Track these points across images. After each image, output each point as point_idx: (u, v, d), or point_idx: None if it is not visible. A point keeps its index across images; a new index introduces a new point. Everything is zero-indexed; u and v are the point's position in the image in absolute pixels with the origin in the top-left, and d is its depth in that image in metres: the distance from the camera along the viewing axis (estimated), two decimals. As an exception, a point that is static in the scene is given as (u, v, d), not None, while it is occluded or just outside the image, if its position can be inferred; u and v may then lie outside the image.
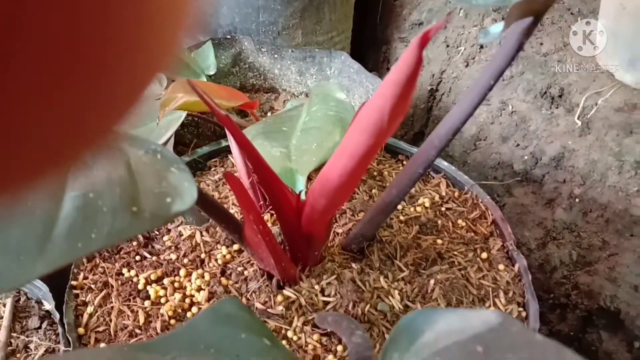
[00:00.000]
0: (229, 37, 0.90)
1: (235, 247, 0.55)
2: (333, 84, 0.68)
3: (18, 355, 0.53)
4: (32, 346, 0.54)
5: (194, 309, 0.50)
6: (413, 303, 0.50)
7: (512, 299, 0.53)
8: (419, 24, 1.08)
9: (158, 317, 0.49)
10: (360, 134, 0.37)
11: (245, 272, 0.52)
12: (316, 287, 0.49)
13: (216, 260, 0.54)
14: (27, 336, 0.54)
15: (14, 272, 0.24)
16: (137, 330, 0.49)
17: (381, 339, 0.47)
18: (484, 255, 0.56)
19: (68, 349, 0.50)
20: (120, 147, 0.32)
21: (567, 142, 0.76)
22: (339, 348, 0.46)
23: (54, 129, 0.09)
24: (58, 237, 0.26)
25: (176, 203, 0.29)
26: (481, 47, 0.92)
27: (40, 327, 0.55)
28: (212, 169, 0.68)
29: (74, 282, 0.53)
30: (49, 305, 0.56)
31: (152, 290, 0.51)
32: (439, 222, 0.59)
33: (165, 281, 0.52)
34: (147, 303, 0.51)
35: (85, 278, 0.53)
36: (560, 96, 0.80)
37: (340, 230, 0.56)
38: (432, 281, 0.52)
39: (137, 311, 0.50)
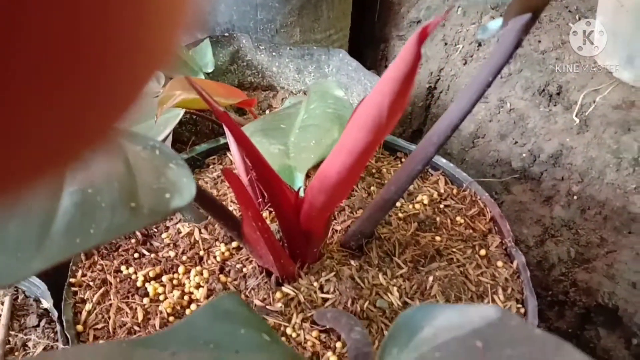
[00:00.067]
0: (227, 34, 0.90)
1: (234, 244, 0.55)
2: (331, 81, 0.68)
3: (16, 353, 0.53)
4: (30, 344, 0.54)
5: (193, 306, 0.50)
6: (412, 300, 0.50)
7: (510, 296, 0.53)
8: (417, 22, 1.08)
9: (157, 314, 0.49)
10: (359, 130, 0.37)
11: (244, 269, 0.52)
12: (315, 284, 0.49)
13: (215, 257, 0.54)
14: (25, 334, 0.54)
15: (12, 267, 0.24)
16: (136, 328, 0.49)
17: (380, 335, 0.47)
18: (483, 252, 0.56)
19: (66, 346, 0.50)
20: (118, 143, 0.32)
21: (565, 139, 0.76)
22: (338, 345, 0.46)
23: (53, 129, 0.09)
24: (56, 232, 0.26)
25: (175, 199, 0.29)
26: (479, 44, 0.93)
27: (38, 325, 0.55)
28: (211, 166, 0.68)
29: (72, 280, 0.53)
30: (47, 303, 0.55)
31: (150, 287, 0.51)
32: (438, 219, 0.59)
33: (164, 278, 0.52)
34: (145, 300, 0.51)
35: (84, 275, 0.53)
36: (558, 94, 0.80)
37: (339, 228, 0.56)
38: (430, 278, 0.52)
39: (136, 308, 0.50)
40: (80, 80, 0.09)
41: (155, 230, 0.58)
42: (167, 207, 0.29)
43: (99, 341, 0.48)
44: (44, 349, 0.53)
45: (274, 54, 0.90)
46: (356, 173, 0.41)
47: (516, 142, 0.81)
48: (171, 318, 0.49)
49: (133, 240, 0.56)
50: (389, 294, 0.50)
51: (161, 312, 0.49)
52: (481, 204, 0.62)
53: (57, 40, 0.08)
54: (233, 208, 0.59)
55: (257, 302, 0.49)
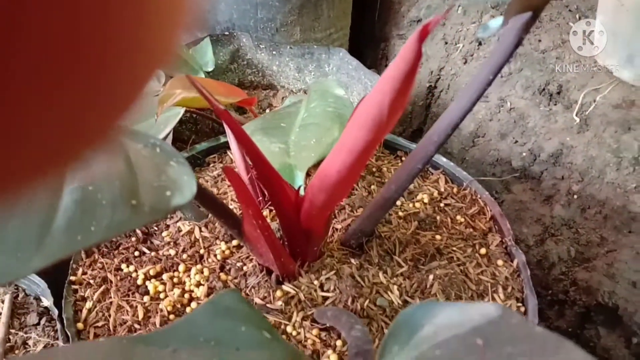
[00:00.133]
0: (227, 33, 0.90)
1: (234, 242, 0.55)
2: (331, 80, 0.68)
3: (17, 351, 0.53)
4: (30, 342, 0.54)
5: (193, 304, 0.50)
6: (412, 298, 0.50)
7: (510, 294, 0.53)
8: (417, 21, 1.08)
9: (157, 313, 0.49)
10: (359, 129, 0.37)
11: (245, 268, 0.52)
12: (315, 282, 0.49)
13: (215, 255, 0.54)
14: (26, 332, 0.54)
15: (13, 265, 0.24)
16: (136, 326, 0.49)
17: (380, 334, 0.47)
18: (483, 250, 0.56)
19: (67, 344, 0.50)
20: (119, 141, 0.32)
21: (565, 138, 0.76)
22: (338, 343, 0.46)
23: (53, 129, 0.09)
24: (57, 229, 0.26)
25: (176, 197, 0.29)
26: (479, 44, 0.93)
27: (38, 324, 0.55)
28: (211, 165, 0.68)
29: (72, 278, 0.53)
30: (47, 301, 0.55)
31: (151, 285, 0.51)
32: (438, 217, 0.59)
33: (165, 276, 0.52)
34: (146, 298, 0.51)
35: (84, 273, 0.53)
36: (558, 93, 0.80)
37: (339, 226, 0.56)
38: (431, 276, 0.52)
39: (136, 306, 0.50)
40: (80, 80, 0.09)
41: (156, 228, 0.58)
42: (168, 204, 0.29)
43: (100, 339, 0.48)
44: (44, 347, 0.53)
45: (274, 52, 0.90)
46: (357, 172, 0.41)
47: (516, 141, 0.81)
48: (171, 316, 0.49)
49: (133, 239, 0.56)
50: (389, 293, 0.50)
51: (161, 311, 0.49)
52: (481, 203, 0.62)
53: (57, 41, 0.08)
54: (233, 206, 0.59)
55: (257, 300, 0.49)
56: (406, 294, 0.50)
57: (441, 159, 0.67)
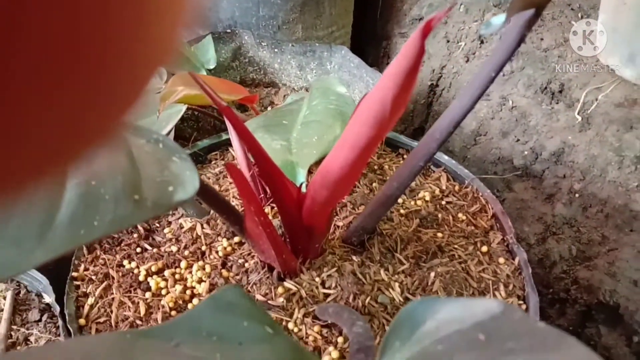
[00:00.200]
0: (229, 31, 0.90)
1: (236, 239, 0.55)
2: (333, 78, 0.68)
3: (18, 347, 0.53)
4: (32, 339, 0.54)
5: (195, 301, 0.50)
6: (413, 295, 0.50)
7: (512, 292, 0.53)
8: (419, 19, 1.08)
9: (159, 309, 0.49)
10: (362, 125, 0.37)
11: (246, 264, 0.52)
12: (317, 279, 0.49)
13: (217, 252, 0.54)
14: (28, 329, 0.55)
15: (16, 258, 0.24)
16: (138, 322, 0.49)
17: (381, 331, 0.47)
18: (484, 248, 0.56)
19: (69, 339, 0.50)
20: (122, 136, 0.32)
21: (567, 137, 0.76)
22: (340, 339, 0.46)
23: (54, 129, 0.09)
24: (60, 224, 0.26)
25: (178, 192, 0.29)
26: (481, 42, 0.93)
27: (40, 320, 0.55)
28: (213, 162, 0.68)
29: (74, 274, 0.53)
30: (49, 298, 0.56)
31: (152, 281, 0.51)
32: (440, 215, 0.59)
33: (166, 273, 0.52)
34: (148, 294, 0.51)
35: (86, 269, 0.54)
36: (560, 91, 0.80)
37: (340, 223, 0.56)
38: (432, 274, 0.52)
39: (138, 302, 0.50)
40: (81, 79, 0.09)
41: (158, 225, 0.58)
42: (171, 200, 0.29)
43: (102, 333, 0.48)
44: (46, 343, 0.53)
45: (276, 50, 0.90)
46: (359, 168, 0.41)
47: (518, 140, 0.81)
48: (173, 312, 0.49)
49: (135, 235, 0.56)
50: (390, 290, 0.50)
51: (163, 307, 0.49)
52: (483, 201, 0.62)
53: (58, 40, 0.08)
54: (235, 203, 0.59)
55: (259, 297, 0.49)
56: (407, 291, 0.50)
57: (443, 157, 0.67)
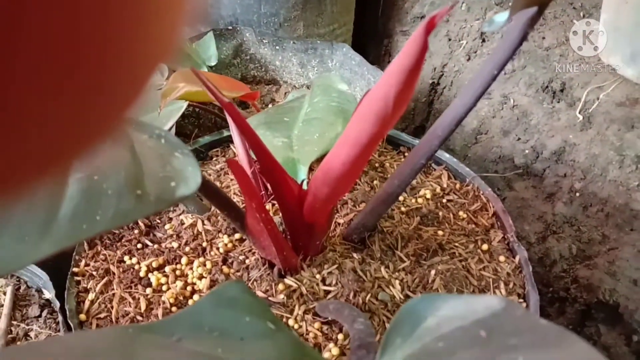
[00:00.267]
0: (230, 28, 0.90)
1: (237, 235, 0.55)
2: (335, 75, 0.68)
3: (18, 343, 0.53)
4: (32, 334, 0.54)
5: (196, 297, 0.50)
6: (414, 293, 0.50)
7: (512, 290, 0.53)
8: (421, 17, 1.08)
9: (159, 305, 0.49)
10: (364, 122, 0.37)
11: (247, 261, 0.52)
12: (317, 276, 0.49)
13: (218, 248, 0.54)
14: (28, 324, 0.55)
15: (19, 252, 0.24)
16: (139, 317, 0.49)
17: (382, 328, 0.47)
18: (485, 246, 0.56)
19: (70, 333, 0.50)
20: (125, 131, 0.32)
21: (568, 136, 0.76)
22: (340, 336, 0.46)
23: (55, 127, 0.09)
24: (63, 218, 0.26)
25: (181, 187, 0.29)
26: (483, 40, 0.92)
27: (40, 316, 0.55)
28: (214, 158, 0.68)
29: (75, 269, 0.53)
30: (49, 293, 0.56)
31: (153, 277, 0.51)
32: (440, 213, 0.59)
33: (167, 269, 0.52)
34: (148, 290, 0.51)
35: (87, 265, 0.54)
36: (561, 90, 0.80)
37: (341, 221, 0.56)
38: (432, 272, 0.52)
39: (139, 298, 0.50)
40: (81, 77, 0.09)
41: (159, 221, 0.58)
42: (173, 195, 0.29)
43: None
44: (46, 339, 0.53)
45: (277, 47, 0.90)
46: (360, 165, 0.41)
47: (519, 139, 0.81)
48: (174, 308, 0.49)
49: (136, 231, 0.56)
50: (391, 287, 0.50)
51: (164, 303, 0.49)
52: (484, 199, 0.62)
53: (58, 39, 0.08)
54: (236, 200, 0.59)
55: (259, 293, 0.49)
56: (408, 288, 0.50)
57: (444, 155, 0.67)
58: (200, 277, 0.51)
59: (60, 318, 0.52)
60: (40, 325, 0.54)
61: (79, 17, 0.08)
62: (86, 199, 0.27)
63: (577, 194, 0.74)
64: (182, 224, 0.57)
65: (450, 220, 0.59)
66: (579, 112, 0.76)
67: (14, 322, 0.54)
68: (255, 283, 0.50)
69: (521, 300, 0.52)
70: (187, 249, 0.54)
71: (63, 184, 0.28)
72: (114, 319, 0.49)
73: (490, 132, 0.85)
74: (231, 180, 0.63)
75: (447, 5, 1.01)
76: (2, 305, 0.55)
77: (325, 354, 0.45)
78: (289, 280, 0.49)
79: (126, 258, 0.54)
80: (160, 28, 0.10)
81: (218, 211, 0.57)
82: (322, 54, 0.89)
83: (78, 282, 0.52)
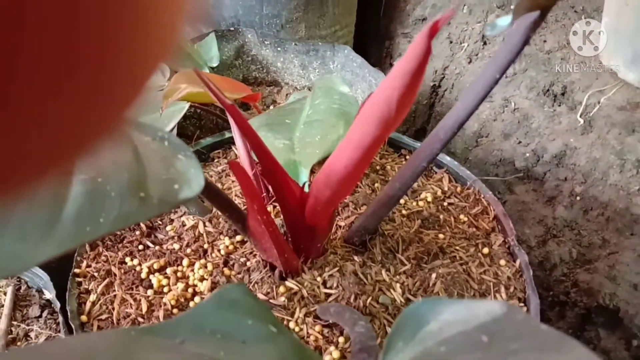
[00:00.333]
0: (232, 29, 0.90)
1: (238, 238, 0.55)
2: (336, 77, 0.68)
3: (18, 343, 0.53)
4: (32, 334, 0.54)
5: (197, 299, 0.50)
6: (414, 296, 0.50)
7: (513, 294, 0.53)
8: (423, 20, 1.08)
9: (161, 306, 0.49)
10: (367, 124, 0.37)
11: (248, 263, 0.52)
12: (318, 279, 0.49)
13: (219, 250, 0.54)
14: (28, 325, 0.55)
15: (23, 254, 0.24)
16: (140, 319, 0.49)
17: (382, 331, 0.47)
18: (486, 250, 0.56)
19: (72, 335, 0.50)
20: (127, 133, 0.32)
21: (569, 140, 0.76)
22: (341, 339, 0.46)
23: (55, 126, 0.09)
24: (66, 220, 0.26)
25: (184, 190, 0.29)
26: (484, 43, 0.93)
27: (40, 316, 0.55)
28: (215, 160, 0.68)
29: (77, 270, 0.53)
30: (49, 294, 0.56)
31: (154, 279, 0.51)
32: (441, 216, 0.59)
33: (168, 271, 0.52)
34: (149, 292, 0.51)
35: (88, 266, 0.54)
36: (563, 94, 0.80)
37: (342, 223, 0.57)
38: (433, 275, 0.52)
39: (140, 300, 0.50)
40: (80, 76, 0.09)
41: (160, 222, 0.58)
42: (176, 197, 0.29)
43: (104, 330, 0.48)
44: (46, 339, 0.53)
45: (279, 49, 0.90)
46: (362, 167, 0.41)
47: (520, 142, 0.81)
48: (175, 310, 0.49)
49: (138, 232, 0.56)
50: (391, 291, 0.50)
51: (165, 304, 0.49)
52: (485, 202, 0.62)
53: (58, 38, 0.08)
54: (237, 202, 0.59)
55: (260, 295, 0.49)
56: (409, 292, 0.50)
57: (445, 158, 0.67)
58: (202, 279, 0.51)
59: (60, 318, 0.52)
60: (41, 326, 0.54)
61: (78, 17, 0.08)
62: (90, 201, 0.27)
63: (578, 198, 0.74)
64: (184, 225, 0.57)
65: (451, 224, 0.59)
66: (580, 116, 0.76)
67: (15, 323, 0.54)
68: (256, 285, 0.50)
69: (522, 304, 0.52)
70: (188, 250, 0.54)
71: (67, 185, 0.28)
72: (115, 321, 0.49)
73: (491, 135, 0.85)
74: (233, 182, 0.63)
75: (449, 7, 1.01)
76: (3, 306, 0.55)
77: (326, 357, 0.45)
78: (290, 283, 0.49)
79: (127, 259, 0.54)
80: (160, 28, 0.10)
81: (219, 213, 0.57)
82: (323, 56, 0.90)
83: (79, 284, 0.52)
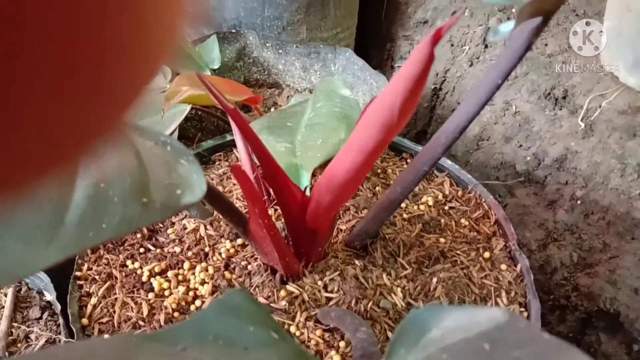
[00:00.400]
0: (233, 31, 0.90)
1: (239, 241, 0.55)
2: (337, 80, 0.68)
3: (19, 345, 0.53)
4: (32, 336, 0.54)
5: (198, 302, 0.50)
6: (415, 301, 0.50)
7: (514, 299, 0.53)
8: (424, 22, 1.08)
9: (162, 310, 0.49)
10: (370, 129, 0.37)
11: (249, 267, 0.52)
12: (319, 282, 0.49)
13: (220, 254, 0.54)
14: (28, 326, 0.54)
15: (26, 259, 0.24)
16: (141, 322, 0.49)
17: (383, 336, 0.47)
18: (487, 254, 0.56)
19: (69, 339, 0.50)
20: (130, 138, 0.32)
21: (570, 143, 0.76)
22: (342, 344, 0.46)
23: (55, 127, 0.09)
24: (69, 225, 0.26)
25: (186, 195, 0.29)
26: (486, 46, 0.93)
27: (41, 318, 0.55)
28: (217, 163, 0.68)
29: (78, 273, 0.53)
30: (50, 296, 0.56)
31: (156, 282, 0.51)
32: (442, 220, 0.59)
33: (169, 274, 0.52)
34: (151, 295, 0.51)
35: (90, 269, 0.54)
36: (564, 97, 0.80)
37: (343, 227, 0.57)
38: (434, 279, 0.52)
39: (141, 303, 0.50)
40: (80, 77, 0.09)
41: (161, 225, 0.58)
42: (179, 202, 0.29)
43: (104, 335, 0.48)
44: (47, 341, 0.53)
45: (280, 51, 0.90)
46: (364, 172, 0.41)
47: (521, 146, 0.81)
48: (176, 314, 0.49)
49: (139, 235, 0.56)
50: (392, 295, 0.50)
51: (166, 308, 0.49)
52: (486, 207, 0.62)
53: (57, 39, 0.08)
54: (239, 205, 0.59)
55: (261, 299, 0.49)
56: (409, 296, 0.50)
57: (446, 162, 0.67)
58: (203, 283, 0.51)
59: (61, 320, 0.52)
60: (41, 328, 0.54)
61: (78, 17, 0.08)
62: (92, 205, 0.27)
63: (579, 202, 0.74)
64: (185, 228, 0.57)
65: (452, 228, 0.59)
66: (581, 120, 0.76)
67: (15, 324, 0.54)
68: (257, 289, 0.50)
69: (522, 309, 0.52)
70: (189, 253, 0.54)
71: (70, 191, 0.28)
72: (116, 324, 0.49)
73: (492, 138, 0.85)
74: (234, 185, 0.63)
75: (450, 10, 1.01)
76: (3, 307, 0.55)
77: (327, 361, 0.45)
78: (291, 287, 0.49)
79: (129, 262, 0.54)
80: (161, 28, 0.10)
81: (220, 216, 0.57)
82: (325, 58, 0.90)
83: (80, 286, 0.52)
